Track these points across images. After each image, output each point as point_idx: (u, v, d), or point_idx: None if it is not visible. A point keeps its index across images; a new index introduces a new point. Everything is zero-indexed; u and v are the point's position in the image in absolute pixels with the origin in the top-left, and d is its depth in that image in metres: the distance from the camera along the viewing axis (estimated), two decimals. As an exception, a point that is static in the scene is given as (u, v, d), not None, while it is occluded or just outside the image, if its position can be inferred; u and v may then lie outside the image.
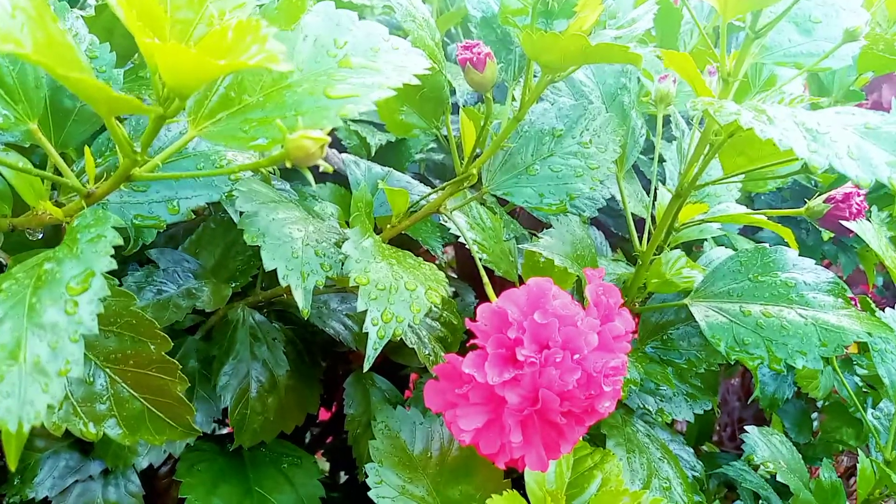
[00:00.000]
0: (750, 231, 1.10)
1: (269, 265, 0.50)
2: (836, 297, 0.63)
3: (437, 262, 0.78)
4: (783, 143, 0.44)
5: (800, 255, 0.68)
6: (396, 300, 0.49)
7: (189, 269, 0.64)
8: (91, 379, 0.44)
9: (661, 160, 0.77)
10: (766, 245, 0.68)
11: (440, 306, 0.59)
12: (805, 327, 0.60)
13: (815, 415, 1.21)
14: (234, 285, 0.66)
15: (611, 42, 0.50)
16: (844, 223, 0.64)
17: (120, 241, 0.34)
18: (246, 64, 0.29)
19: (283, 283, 0.49)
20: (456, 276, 1.22)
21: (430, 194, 0.67)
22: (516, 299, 0.50)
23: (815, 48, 0.63)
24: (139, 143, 0.38)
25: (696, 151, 0.63)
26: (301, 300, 0.49)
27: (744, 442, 0.79)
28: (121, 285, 0.59)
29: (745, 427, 0.75)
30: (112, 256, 0.34)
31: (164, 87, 0.35)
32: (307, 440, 0.99)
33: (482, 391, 0.49)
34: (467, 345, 0.49)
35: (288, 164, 0.34)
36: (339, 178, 0.76)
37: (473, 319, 0.50)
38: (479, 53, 0.53)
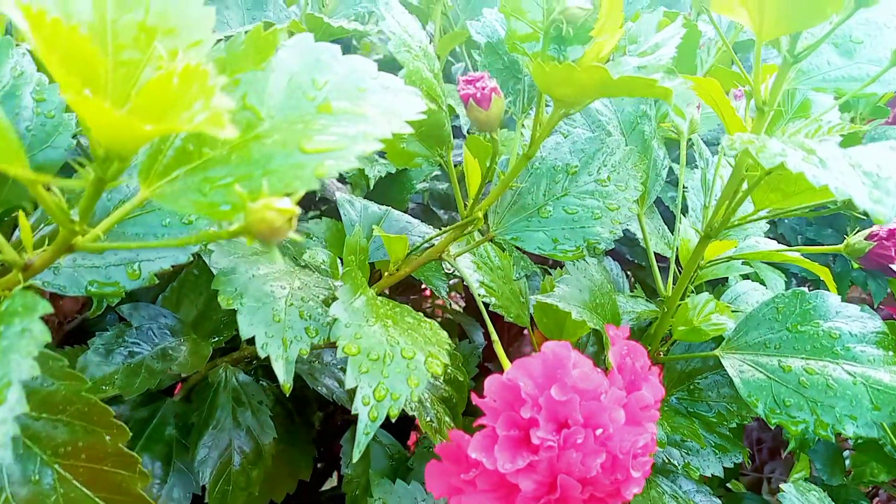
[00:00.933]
0: (773, 257, 1.03)
1: (246, 332, 0.43)
2: (885, 350, 0.56)
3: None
4: (841, 192, 0.38)
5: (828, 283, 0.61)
6: (391, 372, 0.43)
7: (166, 326, 0.58)
8: (37, 477, 0.38)
9: (683, 187, 0.71)
10: (805, 290, 0.61)
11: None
12: (854, 387, 0.54)
13: (845, 452, 1.14)
14: (216, 340, 0.60)
15: (634, 74, 0.43)
16: (892, 266, 0.58)
17: (48, 339, 0.28)
18: (180, 128, 0.23)
19: (262, 354, 0.43)
20: (463, 308, 1.15)
21: (432, 238, 0.60)
22: (530, 370, 0.43)
23: (858, 72, 0.57)
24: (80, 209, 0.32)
25: (727, 189, 0.57)
26: (282, 373, 0.43)
27: (764, 465, 0.72)
28: (88, 349, 0.53)
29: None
30: (35, 359, 0.27)
31: (101, 146, 0.28)
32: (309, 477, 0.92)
33: (492, 478, 0.42)
34: (474, 425, 0.43)
35: (248, 242, 0.28)
36: (337, 211, 0.70)
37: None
38: (483, 88, 0.46)
